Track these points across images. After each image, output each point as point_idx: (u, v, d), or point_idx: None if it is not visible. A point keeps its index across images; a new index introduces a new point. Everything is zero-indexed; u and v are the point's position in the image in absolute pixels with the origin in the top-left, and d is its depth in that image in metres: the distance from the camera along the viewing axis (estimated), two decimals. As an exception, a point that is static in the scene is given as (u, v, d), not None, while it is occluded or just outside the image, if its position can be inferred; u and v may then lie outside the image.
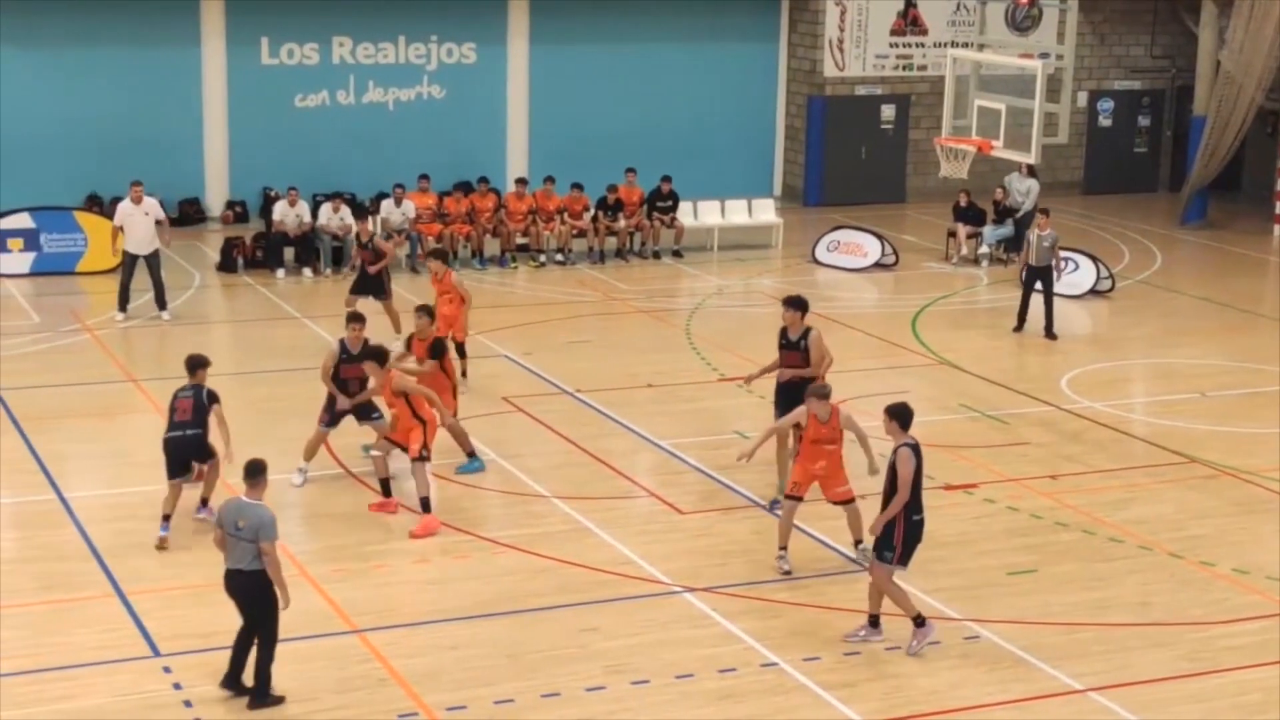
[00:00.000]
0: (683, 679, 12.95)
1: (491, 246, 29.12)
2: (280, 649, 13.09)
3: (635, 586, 14.75)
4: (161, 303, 24.31)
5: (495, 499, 16.97)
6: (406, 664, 13.05)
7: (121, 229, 24.51)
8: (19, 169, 29.93)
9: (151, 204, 24.51)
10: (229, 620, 13.63)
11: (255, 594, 12.29)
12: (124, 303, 24.25)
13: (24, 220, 27.38)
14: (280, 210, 27.98)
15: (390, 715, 12.22)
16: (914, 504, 13.50)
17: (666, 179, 30.06)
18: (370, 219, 24.28)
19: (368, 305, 21.76)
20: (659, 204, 30.03)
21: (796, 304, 16.75)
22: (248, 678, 12.36)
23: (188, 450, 15.50)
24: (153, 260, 24.29)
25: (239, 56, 32.03)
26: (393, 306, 22.91)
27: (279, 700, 12.37)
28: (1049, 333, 24.35)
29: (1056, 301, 24.40)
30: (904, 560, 13.52)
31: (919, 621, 13.57)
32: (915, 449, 13.52)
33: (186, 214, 31.74)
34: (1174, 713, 12.65)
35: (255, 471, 12.60)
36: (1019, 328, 24.49)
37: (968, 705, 12.65)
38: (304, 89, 32.61)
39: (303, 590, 14.40)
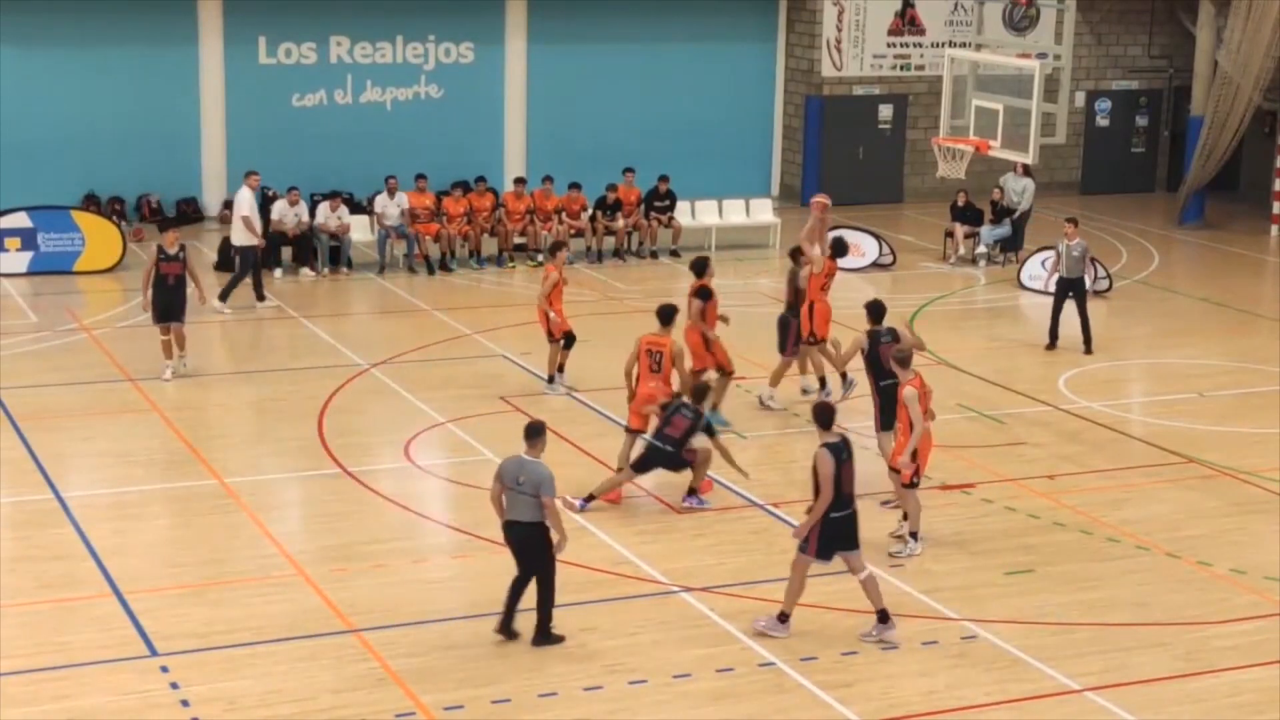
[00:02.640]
0: (680, 678, 12.96)
1: (489, 246, 29.12)
2: (278, 648, 13.13)
3: (633, 586, 14.76)
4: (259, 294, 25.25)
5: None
6: (404, 663, 13.05)
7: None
8: (17, 168, 29.91)
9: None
10: (226, 620, 13.66)
11: (534, 544, 13.33)
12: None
13: (21, 219, 27.36)
14: (279, 209, 27.96)
15: (388, 715, 12.23)
16: (836, 502, 13.51)
17: (664, 178, 30.06)
18: (175, 230, 21.97)
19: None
20: (656, 204, 30.03)
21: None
22: (519, 626, 13.43)
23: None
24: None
25: (236, 56, 32.01)
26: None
27: (560, 639, 13.41)
28: (1087, 347, 23.33)
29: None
30: (821, 554, 13.62)
31: (782, 618, 13.72)
32: (835, 448, 13.57)
33: (184, 213, 31.72)
34: (1171, 712, 12.66)
35: (535, 432, 13.46)
36: (1052, 345, 23.55)
37: (965, 705, 12.66)
38: (302, 88, 32.59)
39: (301, 590, 14.43)
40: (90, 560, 14.91)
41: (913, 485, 15.63)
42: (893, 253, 29.44)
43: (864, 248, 29.33)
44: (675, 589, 14.70)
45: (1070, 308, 23.44)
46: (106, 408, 19.88)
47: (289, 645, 13.30)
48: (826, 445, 13.59)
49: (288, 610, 14.01)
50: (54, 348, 22.14)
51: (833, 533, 13.59)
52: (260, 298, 25.10)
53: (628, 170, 29.99)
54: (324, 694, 12.51)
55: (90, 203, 30.34)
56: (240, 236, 25.00)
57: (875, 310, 17.83)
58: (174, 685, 12.58)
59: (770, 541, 15.77)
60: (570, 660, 13.22)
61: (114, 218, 29.55)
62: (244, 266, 24.96)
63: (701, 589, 14.65)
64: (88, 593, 14.13)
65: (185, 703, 12.31)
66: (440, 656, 13.27)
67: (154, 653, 13.12)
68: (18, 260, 27.06)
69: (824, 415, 13.85)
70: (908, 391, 15.47)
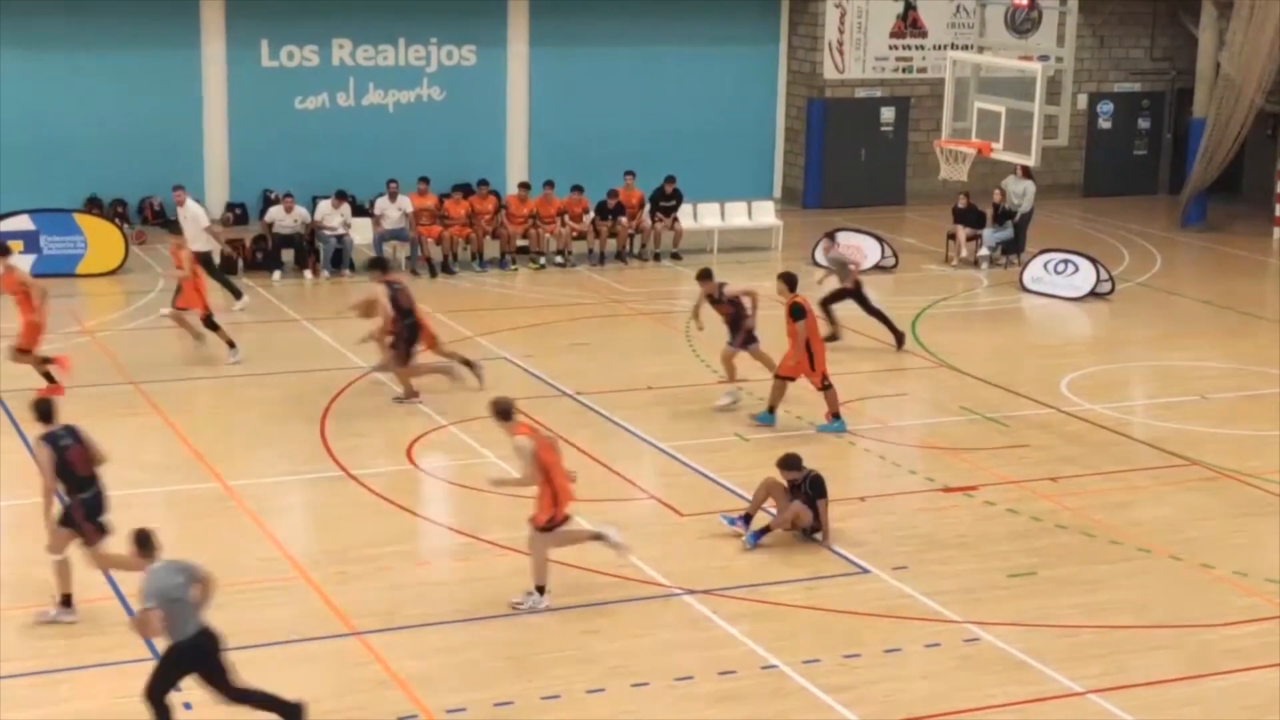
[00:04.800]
0: (683, 681, 12.95)
1: (491, 249, 29.13)
2: (282, 651, 13.13)
3: (635, 589, 14.75)
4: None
5: (495, 501, 16.95)
6: (407, 666, 13.04)
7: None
8: (19, 171, 29.92)
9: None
10: (228, 623, 13.61)
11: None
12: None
13: (24, 222, 27.39)
14: (274, 214, 28.00)
15: (390, 718, 12.22)
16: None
17: (670, 179, 30.06)
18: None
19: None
20: (663, 203, 30.03)
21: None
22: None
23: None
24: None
25: (239, 58, 32.04)
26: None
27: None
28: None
29: (1057, 303, 24.37)
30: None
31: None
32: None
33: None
34: (1174, 715, 12.64)
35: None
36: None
37: (968, 708, 12.64)
38: (304, 91, 32.62)
39: (303, 593, 14.42)
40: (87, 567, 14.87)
41: (550, 529, 14.32)
42: (895, 255, 29.43)
43: (866, 250, 29.34)
44: (677, 592, 14.69)
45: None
46: (109, 411, 19.85)
47: (291, 648, 13.30)
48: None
49: (290, 613, 14.00)
50: (56, 350, 22.08)
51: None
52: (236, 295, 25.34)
53: (628, 173, 29.99)
54: (326, 697, 12.49)
55: (93, 205, 30.36)
56: (205, 243, 25.11)
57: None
58: (175, 688, 12.54)
59: (772, 544, 15.74)
60: (572, 663, 13.21)
61: (116, 220, 29.56)
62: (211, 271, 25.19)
63: (703, 592, 14.64)
64: (90, 596, 14.10)
65: (188, 705, 12.28)
66: (442, 659, 13.27)
67: (155, 655, 13.07)
68: (21, 263, 26.97)
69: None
70: (519, 441, 14.15)
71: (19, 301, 20.32)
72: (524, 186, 29.93)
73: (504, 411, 14.41)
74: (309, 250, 27.86)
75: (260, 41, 32.21)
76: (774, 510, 15.89)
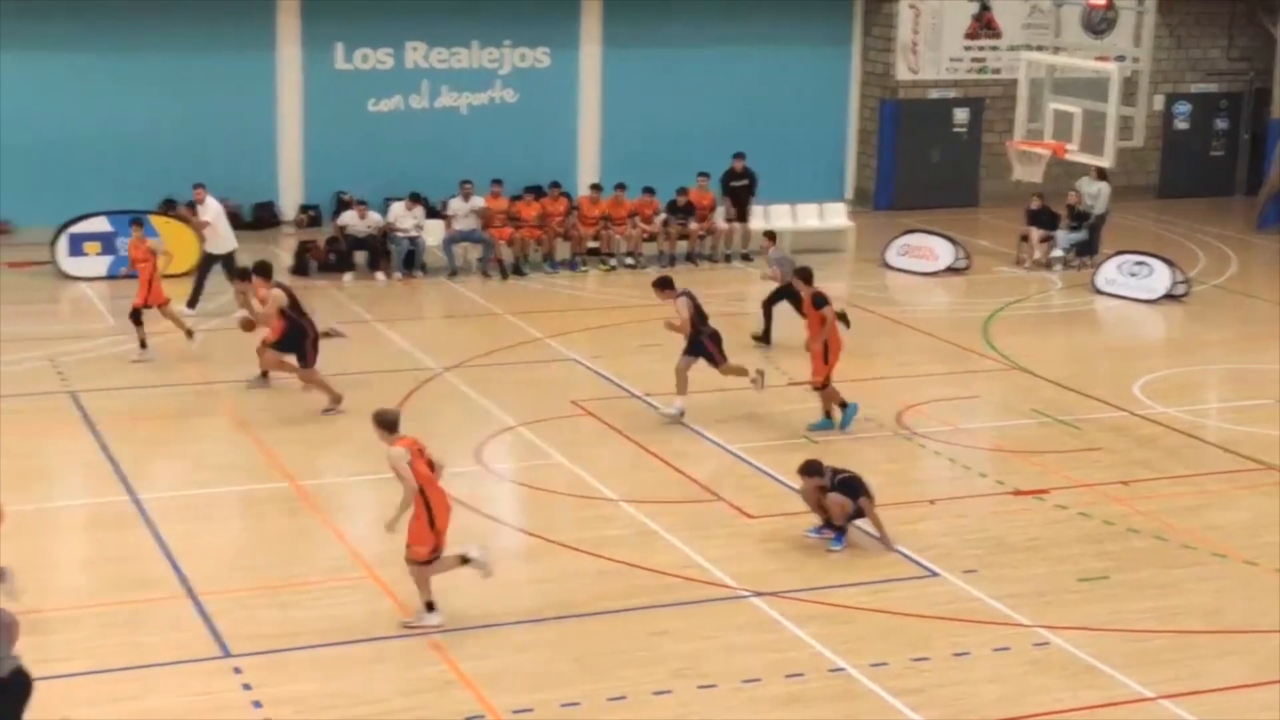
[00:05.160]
0: (750, 683, 12.92)
1: (562, 250, 29.19)
2: (349, 650, 13.20)
3: (703, 591, 14.72)
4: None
5: (564, 502, 17.00)
6: (474, 666, 13.08)
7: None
8: (97, 173, 30.19)
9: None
10: (298, 621, 13.74)
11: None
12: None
13: (101, 224, 27.66)
14: (348, 218, 28.21)
15: (457, 717, 12.25)
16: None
17: (740, 155, 29.98)
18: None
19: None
20: (734, 183, 29.96)
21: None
22: None
23: None
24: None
25: (314, 61, 32.24)
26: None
27: None
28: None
29: (1131, 305, 24.15)
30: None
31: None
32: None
33: (261, 217, 32.01)
34: (1246, 722, 12.52)
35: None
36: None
37: (1037, 712, 12.55)
38: (378, 93, 32.79)
39: (372, 592, 14.49)
40: (164, 562, 15.03)
41: (430, 562, 13.80)
42: (968, 256, 29.26)
43: (938, 252, 29.18)
44: (745, 593, 14.66)
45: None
46: (182, 411, 20.05)
47: (360, 647, 13.36)
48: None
49: (358, 612, 14.07)
50: (131, 351, 22.31)
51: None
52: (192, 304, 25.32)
53: (702, 174, 29.96)
54: (395, 696, 12.56)
55: (168, 207, 30.60)
56: (221, 245, 25.45)
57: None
58: (246, 686, 12.66)
59: (844, 548, 15.68)
60: (640, 664, 13.21)
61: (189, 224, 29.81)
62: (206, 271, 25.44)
63: (772, 594, 14.60)
64: (162, 594, 14.24)
65: (257, 704, 12.39)
66: (510, 659, 13.30)
67: (227, 654, 13.20)
68: (97, 264, 27.36)
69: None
70: (395, 452, 13.60)
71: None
72: (595, 188, 29.96)
73: (388, 424, 13.87)
74: (382, 253, 28.01)
75: (335, 44, 32.39)
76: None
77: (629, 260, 29.11)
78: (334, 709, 12.34)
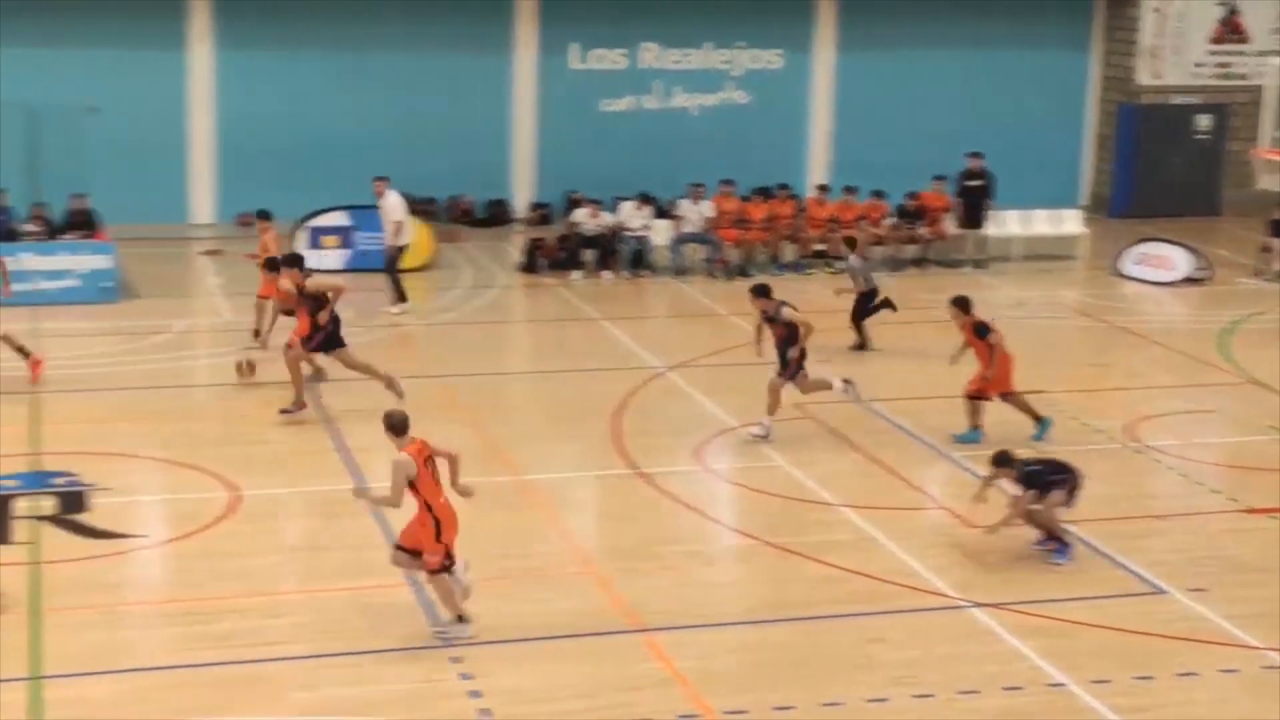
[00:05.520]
0: (967, 694, 12.74)
1: (789, 253, 29.11)
2: (567, 644, 13.30)
3: (922, 599, 14.55)
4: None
5: (785, 505, 16.94)
6: (690, 665, 13.09)
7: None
8: (336, 168, 30.94)
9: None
10: (517, 614, 13.88)
11: None
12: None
13: (340, 218, 28.36)
14: (580, 216, 28.50)
15: (671, 715, 12.27)
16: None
17: (976, 155, 29.58)
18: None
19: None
20: (968, 183, 29.57)
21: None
22: None
23: None
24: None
25: (549, 62, 32.67)
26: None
27: None
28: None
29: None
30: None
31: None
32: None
33: (494, 215, 32.51)
34: None
35: None
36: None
37: (1265, 737, 12.18)
38: (610, 93, 33.10)
39: (589, 587, 14.59)
40: (388, 550, 15.28)
41: (445, 569, 13.44)
42: (1210, 267, 28.49)
43: (1175, 261, 28.47)
44: (964, 604, 14.45)
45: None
46: (414, 403, 20.36)
47: (577, 641, 13.46)
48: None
49: (577, 607, 14.18)
50: (364, 343, 22.77)
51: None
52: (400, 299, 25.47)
53: (938, 178, 29.65)
54: (609, 690, 12.63)
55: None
56: (399, 237, 25.59)
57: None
58: (464, 676, 12.82)
59: (1068, 560, 15.38)
60: (856, 670, 13.10)
61: (426, 218, 30.35)
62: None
63: (992, 605, 14.37)
64: (383, 581, 14.49)
65: (475, 694, 12.55)
66: (725, 660, 13.29)
67: (446, 643, 13.39)
68: (335, 257, 28.03)
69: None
70: (402, 459, 13.22)
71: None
72: (823, 189, 29.84)
73: (396, 427, 13.52)
74: (610, 251, 28.23)
75: (571, 45, 32.77)
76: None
77: (857, 264, 28.91)
78: (550, 701, 12.45)
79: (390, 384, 19.36)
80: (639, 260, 28.33)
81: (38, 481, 16.85)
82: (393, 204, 25.51)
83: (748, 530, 16.22)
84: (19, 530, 15.52)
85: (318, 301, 19.56)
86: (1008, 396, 19.05)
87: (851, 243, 24.44)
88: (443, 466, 13.73)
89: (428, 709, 12.27)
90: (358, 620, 13.78)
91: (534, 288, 27.63)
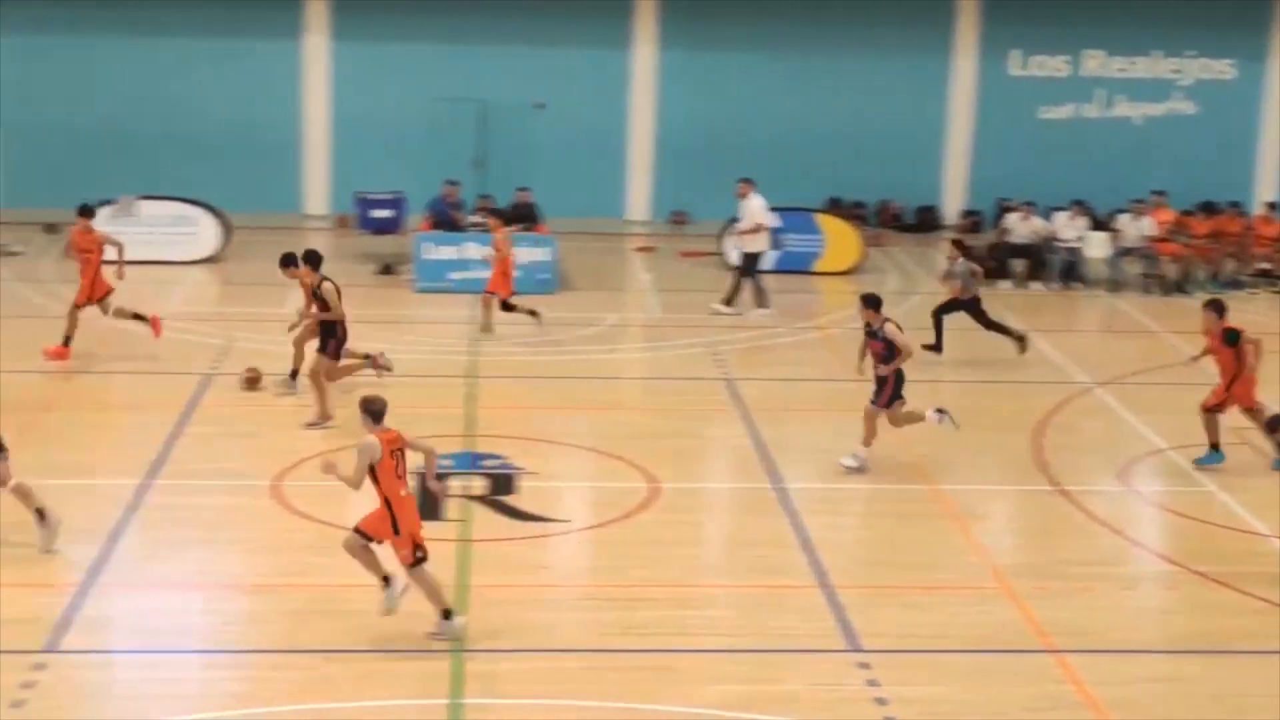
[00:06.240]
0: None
1: (1231, 270, 28.02)
2: (976, 659, 13.13)
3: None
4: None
5: (1212, 532, 16.31)
6: (1103, 691, 12.72)
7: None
8: (769, 169, 31.13)
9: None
10: (927, 624, 13.76)
11: None
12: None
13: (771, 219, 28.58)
14: (1010, 221, 28.04)
15: (1078, 739, 12.00)
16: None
17: None
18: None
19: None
20: None
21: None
22: None
23: None
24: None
25: (989, 67, 32.29)
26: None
27: None
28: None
29: None
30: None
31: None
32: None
33: (923, 221, 32.31)
34: None
35: None
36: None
37: None
38: (1050, 101, 32.52)
39: (1002, 603, 14.36)
40: (801, 551, 15.39)
41: (417, 562, 12.93)
42: None
43: None
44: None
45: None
46: (828, 405, 20.45)
47: (985, 657, 13.27)
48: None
49: (987, 622, 13.97)
50: (786, 344, 22.98)
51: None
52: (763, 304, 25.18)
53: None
54: (1016, 709, 12.39)
55: (833, 205, 31.32)
56: (757, 243, 25.21)
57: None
58: (871, 683, 12.77)
59: None
60: (1277, 714, 12.52)
61: (854, 222, 30.40)
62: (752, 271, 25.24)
63: None
64: (796, 581, 14.58)
65: (881, 701, 12.50)
66: (1141, 688, 12.86)
67: (855, 648, 13.38)
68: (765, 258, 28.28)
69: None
70: (368, 440, 12.73)
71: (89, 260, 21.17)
72: (1272, 206, 28.58)
73: (373, 413, 12.84)
74: (1040, 262, 27.70)
75: (1011, 51, 32.30)
76: None
77: (1304, 285, 27.68)
78: (955, 715, 12.29)
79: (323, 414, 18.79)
80: (1070, 272, 27.71)
81: (471, 462, 17.57)
82: (756, 206, 25.53)
83: (1170, 555, 15.68)
84: (451, 508, 16.21)
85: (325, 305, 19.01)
86: (1251, 412, 17.97)
87: (960, 245, 23.19)
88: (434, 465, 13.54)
89: (834, 711, 12.27)
90: (768, 618, 13.89)
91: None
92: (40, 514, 14.50)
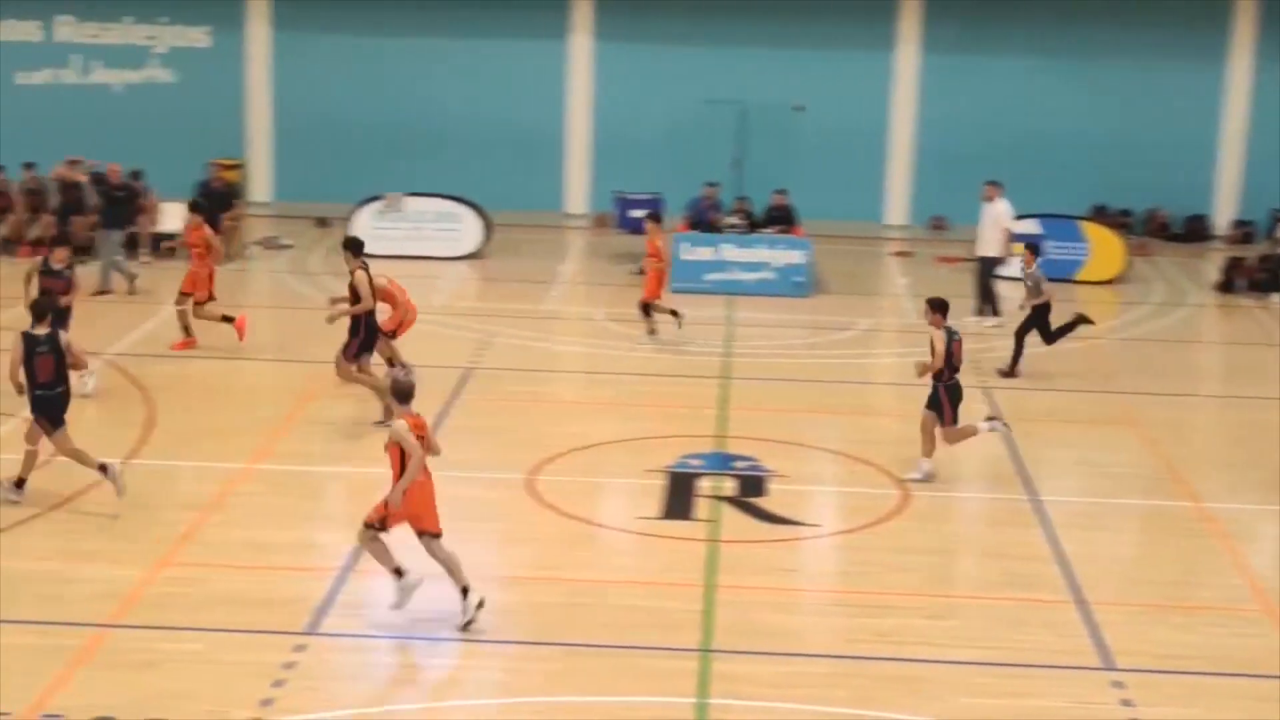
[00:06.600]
0: None
1: None
2: (1233, 683, 12.74)
3: None
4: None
5: None
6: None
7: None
8: (1032, 175, 30.62)
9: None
10: (1186, 645, 13.38)
11: None
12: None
13: (1032, 226, 28.11)
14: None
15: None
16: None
17: None
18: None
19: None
20: None
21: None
22: None
23: None
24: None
25: (1267, 72, 31.36)
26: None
27: None
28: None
29: None
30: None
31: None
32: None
33: (1191, 230, 31.48)
34: None
35: None
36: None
37: None
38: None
39: (1266, 628, 13.88)
40: (1056, 565, 15.09)
41: (379, 528, 13.04)
42: None
43: None
44: None
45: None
46: (1088, 418, 20.02)
47: (1245, 682, 12.86)
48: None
49: (1250, 645, 13.53)
50: (1044, 353, 22.45)
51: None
52: (993, 312, 24.47)
53: None
54: (1277, 736, 12.02)
55: (1098, 213, 30.68)
56: (996, 248, 24.47)
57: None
58: (1126, 703, 12.46)
59: None
60: None
61: (1120, 230, 29.75)
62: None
63: None
64: (1049, 596, 14.31)
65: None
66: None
67: (1109, 666, 13.07)
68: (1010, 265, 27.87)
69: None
70: (398, 425, 12.87)
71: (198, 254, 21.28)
72: None
73: (402, 395, 13.10)
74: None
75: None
76: None
77: None
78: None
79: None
80: (1343, 287, 26.76)
81: (722, 463, 17.61)
82: (1003, 211, 24.93)
83: None
84: (701, 508, 16.26)
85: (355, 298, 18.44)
86: None
87: (1034, 249, 22.16)
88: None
89: (1085, 730, 12.05)
90: (1019, 632, 13.65)
91: (1229, 309, 26.55)
92: (103, 469, 15.31)
